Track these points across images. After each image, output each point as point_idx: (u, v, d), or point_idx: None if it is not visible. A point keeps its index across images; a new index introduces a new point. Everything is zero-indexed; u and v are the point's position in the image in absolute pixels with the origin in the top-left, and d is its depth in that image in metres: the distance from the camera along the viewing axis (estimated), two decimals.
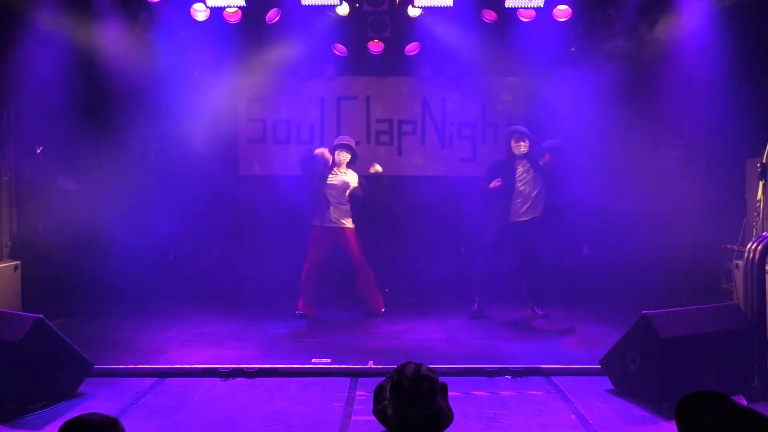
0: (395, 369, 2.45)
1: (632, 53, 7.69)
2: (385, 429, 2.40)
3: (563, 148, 7.22)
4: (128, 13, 7.45)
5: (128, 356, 5.84)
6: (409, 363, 2.45)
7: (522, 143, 7.29)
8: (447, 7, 7.41)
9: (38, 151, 7.36)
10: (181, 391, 5.07)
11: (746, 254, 5.08)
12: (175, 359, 5.79)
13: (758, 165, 5.79)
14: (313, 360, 5.71)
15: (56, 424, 3.22)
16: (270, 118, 9.04)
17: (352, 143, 7.56)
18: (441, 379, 2.45)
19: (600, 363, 5.17)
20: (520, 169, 7.31)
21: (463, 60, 8.41)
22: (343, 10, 7.65)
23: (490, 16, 7.78)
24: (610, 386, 5.09)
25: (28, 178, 7.29)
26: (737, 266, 5.88)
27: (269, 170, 8.88)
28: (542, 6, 7.44)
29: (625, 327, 5.10)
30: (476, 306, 7.41)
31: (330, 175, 7.39)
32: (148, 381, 5.24)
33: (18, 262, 6.89)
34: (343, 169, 7.47)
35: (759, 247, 4.96)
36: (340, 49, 8.46)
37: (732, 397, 2.44)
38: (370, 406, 2.47)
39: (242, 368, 5.41)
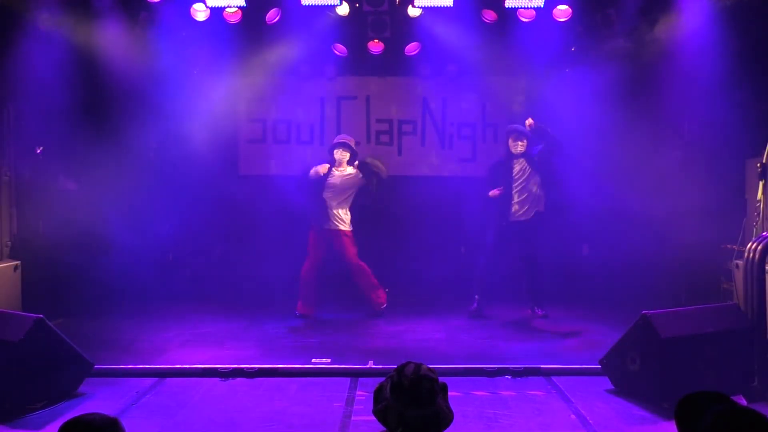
0: (395, 369, 2.44)
1: (632, 53, 7.69)
2: (385, 429, 2.40)
3: (560, 143, 7.22)
4: (128, 13, 7.45)
5: (128, 356, 5.84)
6: (409, 363, 2.45)
7: (519, 142, 7.31)
8: (447, 7, 7.41)
9: (38, 151, 7.37)
10: (181, 391, 5.07)
11: (746, 254, 5.08)
12: (175, 359, 5.79)
13: (758, 165, 5.79)
14: (313, 360, 5.71)
15: (56, 424, 3.22)
16: (270, 118, 9.04)
17: (351, 142, 7.57)
18: (441, 379, 2.45)
19: (600, 363, 5.17)
20: (516, 168, 7.32)
21: (463, 60, 8.41)
22: (343, 10, 7.65)
23: (490, 16, 7.78)
24: (610, 386, 5.09)
25: (28, 178, 7.29)
26: (737, 266, 5.88)
27: (269, 170, 8.88)
28: (542, 6, 7.43)
29: (625, 327, 5.10)
30: (475, 305, 7.42)
31: (330, 176, 7.40)
32: (148, 381, 5.24)
33: (18, 262, 6.89)
34: (343, 167, 7.47)
35: (759, 247, 4.96)
36: (340, 49, 8.46)
37: (732, 397, 2.44)
38: (370, 406, 2.47)
39: (242, 368, 5.41)
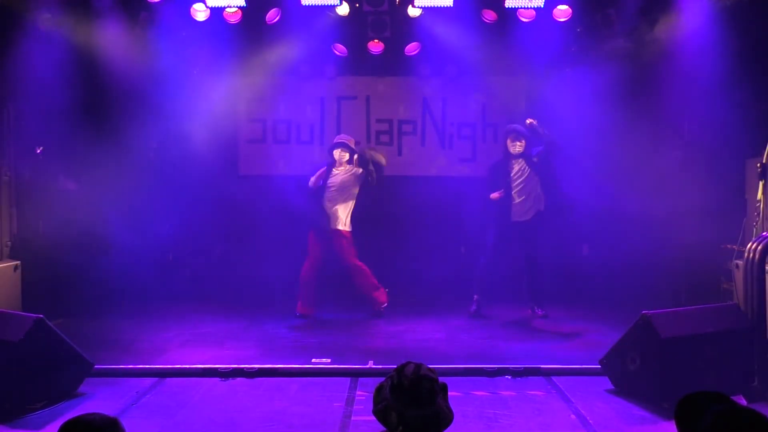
0: (395, 369, 2.44)
1: (632, 53, 7.69)
2: (385, 429, 2.40)
3: (557, 144, 7.22)
4: (128, 13, 7.45)
5: (128, 356, 5.84)
6: (409, 363, 2.45)
7: (518, 143, 7.31)
8: (447, 7, 7.41)
9: (38, 151, 7.37)
10: (181, 391, 5.07)
11: (746, 254, 5.08)
12: (175, 359, 5.79)
13: (758, 165, 5.79)
14: (313, 360, 5.71)
15: (56, 424, 3.22)
16: (270, 118, 9.04)
17: (351, 142, 7.56)
18: (441, 379, 2.45)
19: (600, 363, 5.17)
20: (515, 168, 7.32)
21: (463, 60, 8.40)
22: (343, 10, 7.65)
23: (490, 16, 7.78)
24: (610, 386, 5.09)
25: (28, 178, 7.29)
26: (737, 266, 5.88)
27: (269, 170, 8.87)
28: (542, 6, 7.43)
29: (625, 327, 5.10)
30: (474, 307, 7.42)
31: (330, 176, 7.42)
32: (148, 381, 5.24)
33: (18, 262, 6.89)
34: (343, 167, 7.48)
35: (759, 247, 4.96)
36: (340, 49, 8.46)
37: (732, 397, 2.44)
38: (370, 406, 2.47)
39: (242, 368, 5.41)
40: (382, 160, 7.52)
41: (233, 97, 8.75)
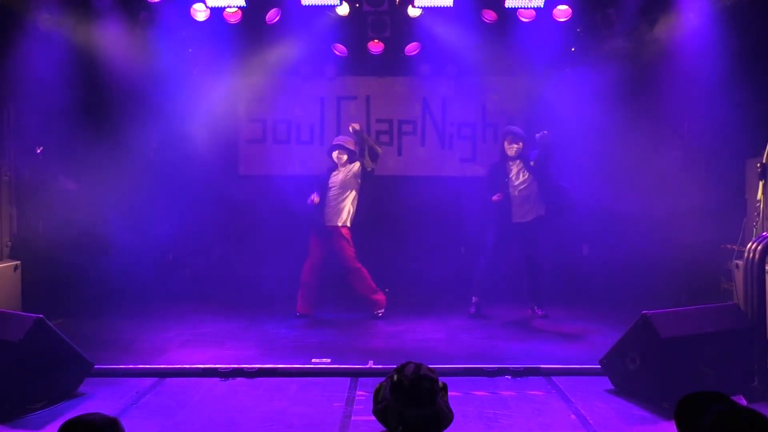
0: (395, 369, 2.45)
1: (632, 53, 7.69)
2: (385, 429, 2.40)
3: (551, 144, 7.21)
4: (128, 13, 7.45)
5: (128, 356, 5.84)
6: (409, 363, 2.45)
7: (515, 145, 7.31)
8: (447, 7, 7.41)
9: (38, 151, 7.36)
10: (181, 391, 5.07)
11: (746, 254, 5.08)
12: (175, 359, 5.79)
13: (758, 165, 5.79)
14: (313, 360, 5.71)
15: (56, 424, 3.22)
16: (270, 118, 9.04)
17: (349, 143, 7.55)
18: (441, 379, 2.45)
19: (600, 363, 5.17)
20: (514, 170, 7.32)
21: (463, 60, 8.41)
22: (343, 10, 7.65)
23: (490, 16, 7.78)
24: (610, 386, 5.09)
25: (28, 178, 7.29)
26: (737, 266, 5.88)
27: (269, 170, 8.87)
28: (542, 6, 7.43)
29: (625, 327, 5.10)
30: (473, 309, 7.42)
31: (331, 177, 7.43)
32: (148, 381, 5.24)
33: (18, 262, 6.89)
34: (343, 167, 7.48)
35: (759, 247, 4.96)
36: (340, 49, 8.46)
37: (732, 397, 2.44)
38: (370, 406, 2.47)
39: (242, 368, 5.41)
40: (378, 150, 7.53)
41: (233, 97, 8.75)
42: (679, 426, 2.38)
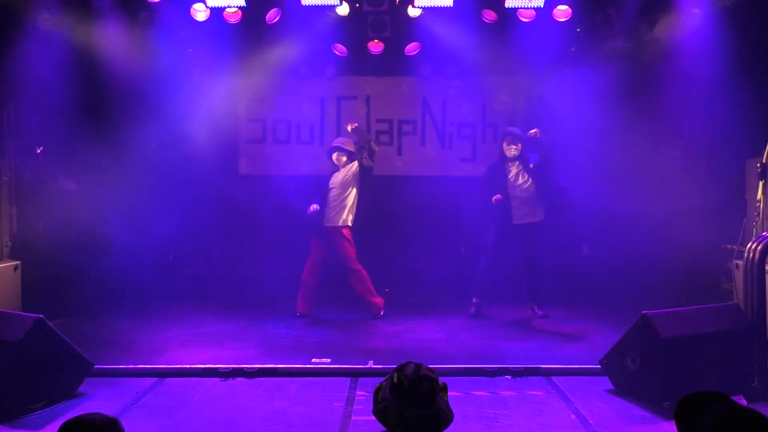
0: (395, 369, 2.44)
1: (632, 53, 7.69)
2: (385, 429, 2.40)
3: (552, 155, 7.21)
4: (128, 13, 7.45)
5: (128, 356, 5.84)
6: (409, 363, 2.45)
7: (513, 146, 7.31)
8: (447, 7, 7.41)
9: (38, 151, 7.36)
10: (181, 391, 5.08)
11: (746, 254, 5.08)
12: (175, 359, 5.79)
13: (758, 165, 5.79)
14: (313, 360, 5.71)
15: (56, 424, 3.22)
16: (270, 118, 9.03)
17: (347, 144, 7.54)
18: (441, 379, 2.45)
19: (600, 363, 5.17)
20: (513, 171, 7.31)
21: (463, 60, 8.41)
22: (343, 10, 7.65)
23: (490, 16, 7.77)
24: (610, 386, 5.09)
25: (28, 178, 7.29)
26: (737, 266, 5.88)
27: (269, 170, 8.87)
28: (542, 6, 7.43)
29: (625, 327, 5.10)
30: (474, 309, 7.42)
31: (332, 179, 7.44)
32: (148, 381, 5.24)
33: (18, 262, 6.89)
34: (343, 168, 7.48)
35: (759, 247, 4.96)
36: (340, 49, 8.46)
37: (732, 397, 2.44)
38: (370, 406, 2.47)
39: (242, 368, 5.41)
40: (375, 147, 7.53)
41: (233, 97, 8.75)
42: (679, 426, 2.38)
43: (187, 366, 5.54)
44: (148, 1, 7.41)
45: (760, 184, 5.76)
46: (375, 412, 2.43)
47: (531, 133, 7.15)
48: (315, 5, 7.46)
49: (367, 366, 5.54)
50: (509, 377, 5.33)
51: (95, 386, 5.09)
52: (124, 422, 2.27)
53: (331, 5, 7.54)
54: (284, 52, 8.23)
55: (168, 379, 5.31)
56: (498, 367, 5.42)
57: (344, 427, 4.40)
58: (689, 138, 7.73)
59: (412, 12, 7.77)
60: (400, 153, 9.08)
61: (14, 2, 6.78)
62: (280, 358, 5.78)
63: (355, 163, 7.42)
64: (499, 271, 7.52)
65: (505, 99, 8.90)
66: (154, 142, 8.39)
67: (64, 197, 7.46)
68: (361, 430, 4.34)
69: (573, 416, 4.58)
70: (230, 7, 7.56)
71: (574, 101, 7.81)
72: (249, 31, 7.89)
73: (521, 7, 7.53)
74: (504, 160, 7.38)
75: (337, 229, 7.37)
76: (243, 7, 7.54)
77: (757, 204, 5.78)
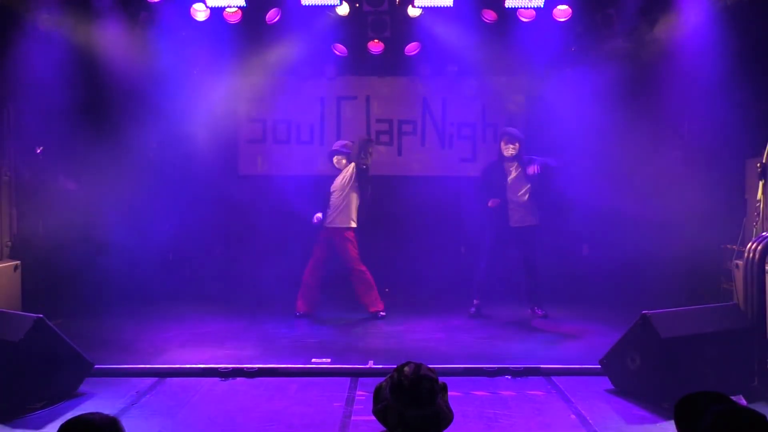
0: (395, 369, 2.44)
1: (632, 53, 7.69)
2: (385, 429, 2.40)
3: (550, 167, 7.21)
4: (128, 13, 7.45)
5: (128, 356, 5.84)
6: (409, 363, 2.45)
7: (511, 146, 7.29)
8: (447, 7, 7.41)
9: (38, 151, 7.37)
10: (181, 390, 5.08)
11: (746, 254, 5.08)
12: (175, 359, 5.79)
13: (758, 165, 5.79)
14: (313, 360, 5.71)
15: (56, 424, 3.21)
16: (270, 118, 9.03)
17: (347, 146, 7.54)
18: (441, 379, 2.45)
19: (600, 363, 5.17)
20: (513, 173, 7.29)
21: (463, 60, 8.40)
22: (343, 10, 7.65)
23: (490, 16, 7.78)
24: (610, 386, 5.09)
25: (28, 178, 7.29)
26: (737, 266, 5.88)
27: (269, 170, 8.87)
28: (542, 6, 7.43)
29: (625, 327, 5.10)
30: (474, 309, 7.42)
31: (333, 181, 7.44)
32: (148, 381, 5.24)
33: (18, 262, 6.89)
34: (343, 170, 7.48)
35: (759, 247, 4.96)
36: (340, 49, 8.46)
37: (732, 397, 2.44)
38: (370, 406, 2.47)
39: (242, 368, 5.41)
40: (370, 150, 7.52)
41: (233, 97, 8.75)
42: (678, 426, 2.38)
43: (187, 366, 5.54)
44: (148, 1, 7.42)
45: (760, 184, 5.76)
46: (375, 412, 2.43)
47: (530, 171, 7.11)
48: (315, 5, 7.46)
49: (367, 366, 5.54)
50: (509, 377, 5.33)
51: (95, 386, 5.09)
52: (124, 422, 2.27)
53: (331, 5, 7.54)
54: (284, 52, 8.23)
55: (168, 379, 5.30)
56: (498, 367, 5.42)
57: (344, 427, 4.40)
58: (689, 138, 7.73)
59: (412, 12, 7.77)
60: (400, 153, 9.08)
61: (14, 2, 6.78)
62: (280, 358, 5.78)
63: (352, 165, 7.42)
64: (499, 272, 7.52)
65: (505, 99, 8.90)
66: (154, 142, 8.39)
67: (64, 197, 7.46)
68: (361, 430, 4.34)
69: (573, 416, 4.58)
70: (230, 7, 7.57)
71: (574, 101, 7.81)
72: (249, 31, 7.89)
73: (521, 7, 7.53)
74: (502, 160, 7.37)
75: (340, 231, 7.37)
76: (243, 7, 7.54)
77: (757, 204, 5.78)
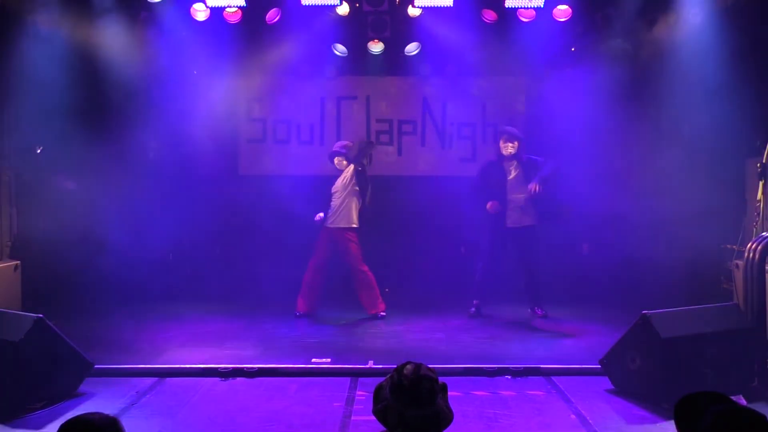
0: (395, 369, 2.44)
1: (632, 53, 7.69)
2: (385, 429, 2.40)
3: (556, 173, 7.20)
4: (128, 13, 7.46)
5: (128, 356, 5.84)
6: (409, 363, 2.45)
7: (510, 144, 7.27)
8: (447, 7, 7.42)
9: (38, 151, 7.37)
10: (181, 390, 5.08)
11: (746, 254, 5.08)
12: (175, 359, 5.79)
13: (758, 165, 5.80)
14: (313, 360, 5.71)
15: (56, 424, 3.21)
16: (270, 118, 9.03)
17: (347, 146, 7.54)
18: (441, 379, 2.45)
19: (600, 363, 5.17)
20: (513, 173, 7.27)
21: (463, 60, 8.40)
22: (343, 10, 7.65)
23: (490, 16, 7.78)
24: (610, 386, 5.09)
25: (28, 178, 7.29)
26: (737, 266, 5.88)
27: (269, 170, 8.87)
28: (542, 6, 7.44)
29: (625, 327, 5.10)
30: (474, 309, 7.42)
31: (335, 182, 7.44)
32: (148, 381, 5.24)
33: (18, 262, 6.89)
34: (344, 170, 7.49)
35: (759, 247, 4.97)
36: (340, 49, 8.45)
37: (732, 397, 2.44)
38: (370, 406, 2.47)
39: (242, 368, 5.41)
40: (371, 150, 7.55)
41: (233, 97, 8.75)
42: (678, 426, 2.38)
43: (187, 366, 5.54)
44: (148, 1, 7.42)
45: (760, 184, 5.76)
46: (375, 412, 2.43)
47: (531, 188, 7.09)
48: (315, 5, 7.47)
49: (367, 366, 5.54)
50: (509, 377, 5.33)
51: (95, 386, 5.09)
52: (124, 422, 2.27)
53: (331, 5, 7.54)
54: (284, 52, 8.23)
55: (168, 379, 5.30)
56: (498, 367, 5.41)
57: (344, 427, 4.40)
58: (689, 138, 7.73)
59: (412, 12, 7.77)
60: (400, 153, 9.07)
61: (14, 2, 6.78)
62: (280, 358, 5.78)
63: (351, 166, 7.42)
64: (498, 272, 7.51)
65: (505, 99, 8.89)
66: (153, 142, 8.39)
67: (64, 197, 7.46)
68: (361, 430, 4.34)
69: (573, 416, 4.58)
70: (230, 7, 7.57)
71: (574, 101, 7.82)
72: (249, 31, 7.90)
73: (521, 7, 7.54)
74: (501, 159, 7.35)
75: (342, 231, 7.37)
76: (243, 7, 7.55)
77: (757, 204, 5.79)
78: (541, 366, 5.47)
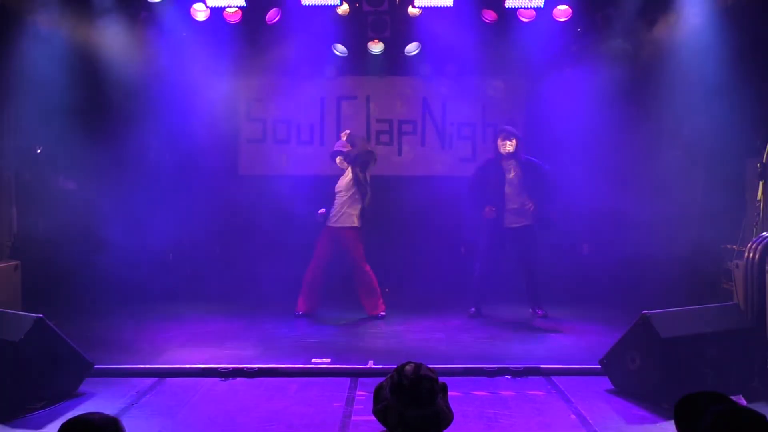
0: (395, 369, 2.44)
1: (632, 53, 7.69)
2: (385, 429, 2.40)
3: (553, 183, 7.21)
4: (128, 13, 7.46)
5: (128, 356, 5.84)
6: (409, 363, 2.45)
7: (508, 142, 7.26)
8: (447, 7, 7.41)
9: (38, 150, 7.37)
10: (181, 390, 5.08)
11: (746, 254, 5.08)
12: (175, 359, 5.79)
13: (758, 165, 5.80)
14: (313, 360, 5.71)
15: (56, 424, 3.22)
16: (270, 118, 9.02)
17: (346, 147, 7.54)
18: (441, 379, 2.45)
19: (600, 363, 5.17)
20: (512, 173, 7.27)
21: (463, 60, 8.40)
22: (343, 9, 7.65)
23: (490, 16, 7.78)
24: (610, 386, 5.09)
25: (28, 178, 7.29)
26: (737, 266, 5.88)
27: (269, 170, 8.86)
28: (542, 6, 7.44)
29: (625, 327, 5.10)
30: (474, 310, 7.41)
31: (337, 181, 7.45)
32: (148, 381, 5.24)
33: (18, 262, 6.89)
34: (346, 168, 7.49)
35: (759, 247, 4.97)
36: (340, 49, 8.45)
37: (732, 397, 2.44)
38: (370, 406, 2.47)
39: (242, 368, 5.41)
40: (372, 151, 7.56)
41: (233, 97, 8.75)
42: (678, 426, 2.38)
43: (187, 366, 5.54)
44: (148, 1, 7.42)
45: (760, 184, 5.77)
46: (375, 412, 2.43)
47: (527, 208, 7.11)
48: (315, 5, 7.46)
49: (367, 366, 5.54)
50: (509, 377, 5.33)
51: (95, 386, 5.09)
52: (124, 422, 2.27)
53: (331, 5, 7.54)
54: (284, 52, 8.22)
55: (168, 379, 5.30)
56: (498, 367, 5.42)
57: (344, 427, 4.40)
58: (689, 138, 7.73)
59: (412, 12, 7.77)
60: (400, 153, 9.07)
61: (14, 2, 6.78)
62: (280, 358, 5.78)
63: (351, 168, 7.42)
64: (498, 272, 7.50)
65: (505, 99, 8.89)
66: (153, 142, 8.38)
67: (64, 197, 7.46)
68: (361, 430, 4.34)
69: (573, 416, 4.58)
70: (230, 7, 7.57)
71: (574, 101, 7.82)
72: (249, 31, 7.90)
73: (521, 7, 7.54)
74: (500, 158, 7.34)
75: (344, 230, 7.36)
76: (243, 7, 7.55)
77: (757, 204, 5.79)
78: (541, 366, 5.47)
